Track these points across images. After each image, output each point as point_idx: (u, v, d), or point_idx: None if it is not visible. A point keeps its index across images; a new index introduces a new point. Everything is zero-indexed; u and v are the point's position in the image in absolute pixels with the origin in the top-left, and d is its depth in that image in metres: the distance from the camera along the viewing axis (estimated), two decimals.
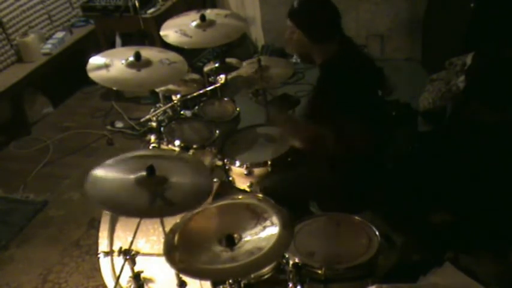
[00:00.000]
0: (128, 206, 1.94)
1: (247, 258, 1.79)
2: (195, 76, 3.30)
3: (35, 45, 4.44)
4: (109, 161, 2.11)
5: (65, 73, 4.57)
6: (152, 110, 3.08)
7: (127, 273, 2.26)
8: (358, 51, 2.68)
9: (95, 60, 2.65)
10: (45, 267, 3.10)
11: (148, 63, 2.64)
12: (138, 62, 2.62)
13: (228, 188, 2.74)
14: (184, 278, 2.24)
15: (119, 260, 2.29)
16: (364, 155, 2.45)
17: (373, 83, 2.60)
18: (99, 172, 2.04)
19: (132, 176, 2.00)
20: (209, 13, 3.15)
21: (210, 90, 3.07)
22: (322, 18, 2.45)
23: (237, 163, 2.76)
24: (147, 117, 2.97)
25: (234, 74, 3.12)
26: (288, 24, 2.51)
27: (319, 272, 2.08)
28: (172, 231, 1.97)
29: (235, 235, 1.88)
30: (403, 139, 3.25)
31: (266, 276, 2.27)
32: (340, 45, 2.46)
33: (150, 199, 1.93)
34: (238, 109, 3.20)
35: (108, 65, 2.61)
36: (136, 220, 2.27)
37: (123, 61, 2.62)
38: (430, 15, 4.20)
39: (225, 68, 3.15)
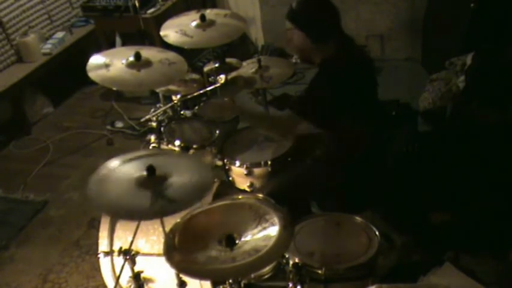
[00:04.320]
0: (130, 209, 1.93)
1: (247, 258, 1.79)
2: (195, 76, 3.30)
3: (35, 45, 4.43)
4: (107, 166, 2.11)
5: (65, 73, 4.57)
6: (152, 110, 3.07)
7: (127, 273, 2.26)
8: (357, 50, 2.67)
9: (95, 60, 2.65)
10: (45, 267, 3.10)
11: (148, 63, 2.64)
12: (138, 62, 2.62)
13: (228, 188, 2.73)
14: (184, 278, 2.24)
15: (119, 260, 2.29)
16: (364, 155, 2.46)
17: (371, 82, 2.61)
18: (99, 178, 2.04)
19: (132, 178, 2.00)
20: (209, 13, 3.15)
21: (210, 90, 3.07)
22: (321, 18, 2.46)
23: (237, 163, 2.76)
24: (147, 117, 2.96)
25: (234, 74, 3.11)
26: (287, 26, 2.51)
27: (319, 272, 2.09)
28: (172, 231, 1.97)
29: (235, 235, 1.88)
30: (403, 139, 3.25)
31: (266, 276, 2.27)
32: (339, 45, 2.46)
33: (151, 199, 1.93)
34: None
35: (108, 65, 2.60)
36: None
37: (123, 61, 2.62)
38: (430, 15, 4.20)
39: (225, 68, 3.14)
